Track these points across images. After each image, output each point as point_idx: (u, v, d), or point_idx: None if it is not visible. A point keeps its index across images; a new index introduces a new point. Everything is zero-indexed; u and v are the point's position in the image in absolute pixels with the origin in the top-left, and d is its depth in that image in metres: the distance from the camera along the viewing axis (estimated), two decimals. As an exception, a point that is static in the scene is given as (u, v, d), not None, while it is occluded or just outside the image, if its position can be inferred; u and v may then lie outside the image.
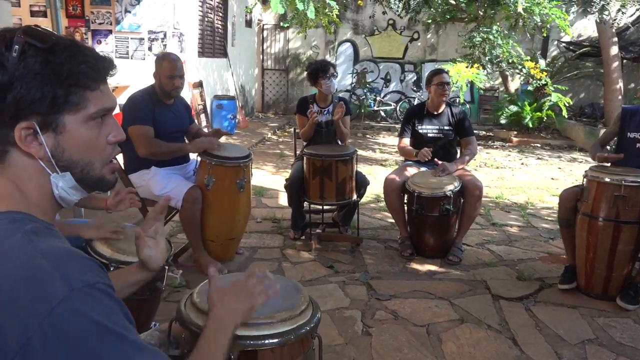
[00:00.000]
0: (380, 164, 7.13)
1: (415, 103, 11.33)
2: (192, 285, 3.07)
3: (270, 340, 1.18)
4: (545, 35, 8.38)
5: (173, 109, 3.34)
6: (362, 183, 3.84)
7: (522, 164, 7.62)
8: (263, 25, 12.41)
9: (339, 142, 4.08)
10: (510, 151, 8.70)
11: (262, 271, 1.21)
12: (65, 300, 0.71)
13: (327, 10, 7.46)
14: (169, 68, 3.14)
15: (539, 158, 8.12)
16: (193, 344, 1.09)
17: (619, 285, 3.05)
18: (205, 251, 3.31)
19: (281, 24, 9.38)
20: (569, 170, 7.23)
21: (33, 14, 6.97)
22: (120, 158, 3.35)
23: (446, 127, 3.83)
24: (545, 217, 4.81)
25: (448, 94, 3.82)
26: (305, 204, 3.87)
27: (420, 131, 3.85)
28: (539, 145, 9.21)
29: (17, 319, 0.70)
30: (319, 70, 3.87)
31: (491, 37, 7.01)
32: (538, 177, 6.69)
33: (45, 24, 6.92)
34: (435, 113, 3.85)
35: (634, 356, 2.51)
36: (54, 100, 0.82)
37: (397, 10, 8.47)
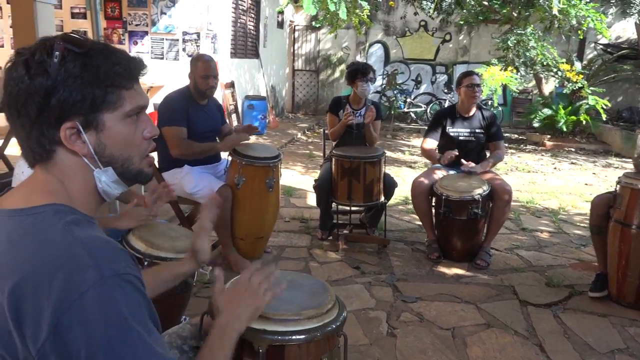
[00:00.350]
0: (409, 166, 7.11)
1: (446, 105, 11.26)
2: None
3: (297, 337, 1.22)
4: (581, 37, 8.19)
5: (206, 109, 3.42)
6: (390, 185, 3.86)
7: (555, 168, 7.48)
8: (294, 26, 12.50)
9: (367, 145, 4.10)
10: (542, 155, 8.54)
11: (267, 268, 1.22)
12: (94, 287, 0.77)
13: (358, 10, 7.48)
14: (203, 68, 3.22)
15: (572, 163, 7.95)
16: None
17: (653, 294, 2.98)
18: (234, 249, 3.38)
19: (313, 23, 9.43)
20: (604, 176, 7.06)
21: (73, 15, 7.21)
22: (154, 156, 3.46)
23: (478, 130, 3.81)
24: (578, 224, 4.72)
25: (478, 96, 3.79)
26: (334, 204, 3.91)
27: (451, 134, 3.83)
28: (573, 149, 9.01)
29: (52, 299, 0.76)
30: (359, 72, 3.91)
31: (525, 39, 6.90)
32: (571, 183, 6.56)
33: (85, 25, 7.17)
34: (466, 116, 3.84)
35: (665, 367, 2.46)
36: (93, 101, 0.87)
37: (429, 12, 8.42)
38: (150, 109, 7.23)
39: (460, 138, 3.84)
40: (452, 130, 3.85)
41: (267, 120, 9.21)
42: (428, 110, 11.45)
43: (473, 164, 3.63)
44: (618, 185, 3.04)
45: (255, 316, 1.16)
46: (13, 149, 4.70)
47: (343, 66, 12.43)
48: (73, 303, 0.76)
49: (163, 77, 7.39)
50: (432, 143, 3.91)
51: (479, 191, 3.47)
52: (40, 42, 0.89)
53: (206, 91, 3.28)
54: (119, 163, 0.94)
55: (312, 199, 5.17)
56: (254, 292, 1.15)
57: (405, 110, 11.64)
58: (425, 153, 3.98)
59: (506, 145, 4.02)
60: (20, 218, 0.85)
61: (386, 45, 12.28)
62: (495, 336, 2.70)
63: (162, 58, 7.41)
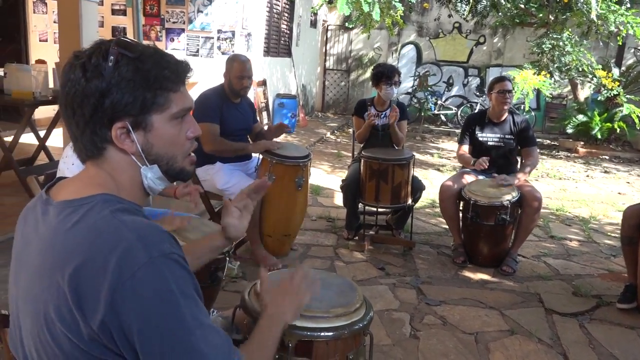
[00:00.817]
0: (437, 169, 7.08)
1: (478, 108, 11.15)
2: (248, 276, 3.23)
3: (326, 333, 1.27)
4: (620, 43, 8.00)
5: (239, 108, 3.50)
6: (417, 187, 3.88)
7: (588, 176, 7.34)
8: (327, 25, 12.55)
9: (395, 146, 4.12)
10: (575, 162, 8.39)
11: (305, 270, 1.29)
12: (145, 266, 0.84)
13: (392, 11, 7.50)
14: (239, 69, 3.31)
15: (606, 171, 7.79)
16: (251, 329, 1.21)
17: (683, 309, 2.93)
18: (262, 245, 3.46)
19: (346, 24, 9.47)
20: (639, 185, 6.89)
21: (114, 12, 7.42)
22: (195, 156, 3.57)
23: (507, 136, 3.79)
24: (609, 233, 4.65)
25: (509, 102, 3.77)
26: (360, 205, 3.95)
27: (480, 139, 3.82)
28: (607, 157, 8.82)
29: (107, 280, 0.83)
30: (383, 75, 3.93)
31: (561, 43, 6.78)
32: (604, 191, 6.43)
33: (124, 22, 7.38)
34: (496, 121, 3.82)
35: (694, 383, 2.43)
36: (143, 103, 0.94)
37: (464, 14, 8.34)
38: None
39: (489, 143, 3.82)
40: (481, 136, 3.84)
41: (296, 119, 9.29)
42: (459, 113, 11.34)
43: (505, 177, 3.59)
44: (651, 197, 2.99)
45: (298, 312, 1.21)
46: (54, 139, 4.90)
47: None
48: (126, 282, 0.83)
49: (197, 74, 7.51)
50: (466, 148, 3.91)
51: (508, 197, 3.46)
52: (96, 45, 0.96)
53: (240, 91, 3.37)
54: (164, 161, 1.00)
55: (339, 199, 5.22)
56: (296, 291, 1.22)
57: (436, 112, 11.57)
58: (460, 158, 3.97)
59: (538, 150, 3.97)
60: (73, 208, 0.93)
61: (418, 47, 12.22)
62: (519, 343, 2.70)
63: (196, 55, 7.56)
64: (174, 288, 0.86)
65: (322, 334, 1.27)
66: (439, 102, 11.63)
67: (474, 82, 11.97)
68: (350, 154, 7.69)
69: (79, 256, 0.86)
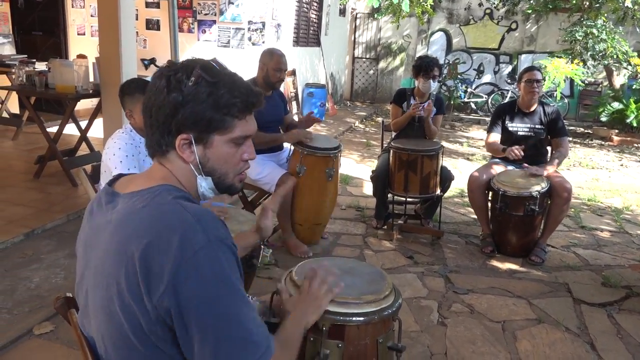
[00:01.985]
0: (467, 158, 7.06)
1: (509, 96, 10.99)
2: (280, 263, 3.35)
3: (357, 318, 1.37)
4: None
5: (271, 99, 3.60)
6: (446, 178, 3.92)
7: (622, 165, 7.21)
8: (356, 13, 12.52)
9: (427, 138, 4.16)
10: (609, 151, 8.22)
11: (323, 273, 1.36)
12: (205, 248, 0.96)
13: (422, 0, 7.46)
14: (276, 62, 3.43)
15: (641, 160, 7.63)
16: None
17: None
18: (293, 234, 3.58)
19: (375, 15, 9.44)
20: (675, 175, 6.74)
21: (147, 5, 7.60)
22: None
23: (538, 126, 3.79)
24: (641, 224, 4.60)
25: (537, 92, 3.75)
26: (390, 195, 4.02)
27: (510, 129, 3.83)
28: (643, 145, 8.61)
29: (171, 256, 0.95)
30: (421, 69, 3.97)
31: (595, 31, 6.62)
32: (638, 181, 6.32)
33: (158, 14, 7.55)
34: (527, 111, 3.82)
35: None
36: (210, 123, 1.07)
37: (494, 3, 8.20)
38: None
39: (520, 133, 3.83)
40: (511, 126, 3.85)
41: (325, 108, 9.35)
42: (489, 101, 11.21)
43: (537, 169, 3.59)
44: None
45: (320, 312, 1.31)
46: (94, 131, 5.10)
47: (403, 55, 12.35)
48: (188, 259, 0.95)
49: (228, 65, 7.67)
50: (495, 137, 3.92)
51: (537, 188, 3.48)
52: (186, 62, 1.10)
53: (276, 83, 3.50)
54: (217, 175, 1.13)
55: (368, 188, 5.30)
56: (315, 297, 1.31)
57: (466, 100, 11.46)
58: (489, 147, 3.98)
59: (570, 139, 3.97)
60: (139, 196, 1.07)
61: (448, 34, 12.07)
62: (546, 332, 2.75)
63: (227, 46, 7.69)
64: (228, 271, 0.98)
65: (354, 318, 1.37)
66: (469, 89, 11.51)
67: (506, 69, 11.78)
68: (378, 144, 7.73)
69: (146, 235, 0.98)
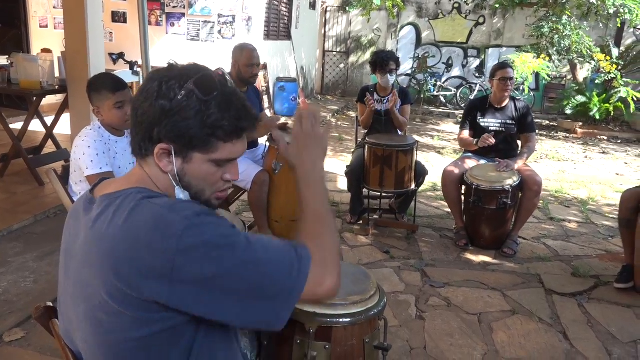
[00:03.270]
0: (438, 152, 7.16)
1: (477, 89, 11.17)
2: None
3: (344, 319, 1.37)
4: (619, 25, 7.99)
5: (246, 95, 3.56)
6: (421, 172, 3.96)
7: (586, 157, 7.43)
8: (326, 7, 12.49)
9: (399, 131, 4.19)
10: (573, 143, 8.47)
11: (311, 110, 1.26)
12: (186, 228, 0.93)
13: (392, -6, 7.48)
14: (248, 57, 3.37)
15: (604, 152, 7.87)
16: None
17: (678, 288, 3.05)
18: (270, 230, 3.55)
19: (346, 8, 9.43)
20: (636, 166, 6.99)
21: (114, -4, 7.41)
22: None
23: (509, 121, 3.86)
24: (607, 214, 4.75)
25: (510, 90, 3.83)
26: (364, 190, 4.04)
27: (482, 124, 3.89)
28: (605, 138, 8.90)
29: (159, 253, 0.92)
30: (378, 64, 3.99)
31: (560, 27, 6.79)
32: (602, 172, 6.53)
33: (125, 6, 7.35)
34: (498, 106, 3.89)
35: (687, 359, 2.55)
36: (191, 140, 1.02)
37: (463, -5, 8.30)
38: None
39: (491, 129, 3.89)
40: (482, 121, 3.91)
41: (297, 102, 9.32)
42: (458, 94, 11.37)
43: (508, 163, 3.68)
44: (649, 181, 3.08)
45: (325, 151, 1.23)
46: (60, 127, 4.94)
47: (374, 48, 12.39)
48: (177, 248, 0.92)
49: (197, 59, 7.54)
50: (467, 134, 3.98)
51: (510, 182, 3.55)
52: (183, 70, 1.04)
53: (250, 79, 3.44)
54: (193, 190, 1.09)
55: (342, 183, 5.31)
56: (312, 136, 1.21)
57: (435, 93, 11.59)
58: (462, 142, 4.03)
59: (537, 131, 4.07)
60: (109, 200, 1.03)
61: (418, 28, 12.18)
62: (521, 323, 2.82)
63: (197, 39, 7.56)
64: (218, 231, 0.95)
65: (341, 320, 1.37)
66: (438, 83, 11.64)
67: (474, 63, 11.97)
68: (351, 138, 7.74)
69: (124, 240, 0.95)
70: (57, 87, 4.42)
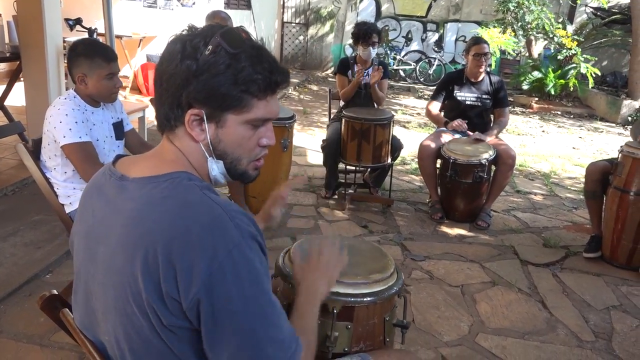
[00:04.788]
0: (403, 126, 7.19)
1: (436, 64, 11.26)
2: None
3: (368, 298, 1.33)
4: (574, 1, 8.19)
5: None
6: (396, 147, 3.95)
7: (543, 131, 7.67)
8: (285, -24, 12.16)
9: (375, 105, 4.16)
10: (530, 118, 8.71)
11: (332, 241, 1.29)
12: (238, 246, 0.86)
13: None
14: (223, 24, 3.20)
15: (559, 126, 8.15)
16: (290, 296, 1.27)
17: (643, 256, 3.20)
18: (247, 206, 3.47)
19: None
20: (590, 140, 7.28)
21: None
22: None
23: (484, 96, 3.90)
24: (569, 187, 4.93)
25: (485, 65, 3.86)
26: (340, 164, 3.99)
27: (459, 98, 3.91)
28: (559, 112, 9.20)
29: (203, 255, 0.85)
30: (361, 37, 3.91)
31: (526, 2, 6.89)
32: (559, 146, 6.76)
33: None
34: (474, 81, 3.91)
35: (655, 323, 2.69)
36: (224, 99, 0.93)
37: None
38: (142, 60, 7.07)
39: (467, 102, 3.92)
40: (459, 95, 3.93)
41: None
42: (417, 69, 11.43)
43: (479, 133, 3.74)
44: (620, 154, 3.19)
45: (331, 285, 1.25)
46: (13, 99, 4.59)
47: (333, 20, 12.22)
48: (223, 259, 0.85)
49: (156, 28, 7.21)
50: (437, 105, 4.00)
51: (486, 155, 3.60)
52: (206, 28, 0.95)
53: None
54: (229, 160, 0.99)
55: (312, 157, 5.26)
56: (325, 267, 1.24)
57: (395, 67, 11.60)
58: (431, 116, 4.07)
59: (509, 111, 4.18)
60: (155, 183, 0.93)
61: (378, 1, 12.08)
62: (501, 293, 2.89)
63: (154, 6, 7.19)
64: (261, 270, 0.89)
65: (365, 299, 1.33)
66: (398, 57, 11.65)
67: (433, 37, 12.03)
68: (316, 112, 7.67)
69: (171, 229, 0.86)
70: (8, 54, 4.08)
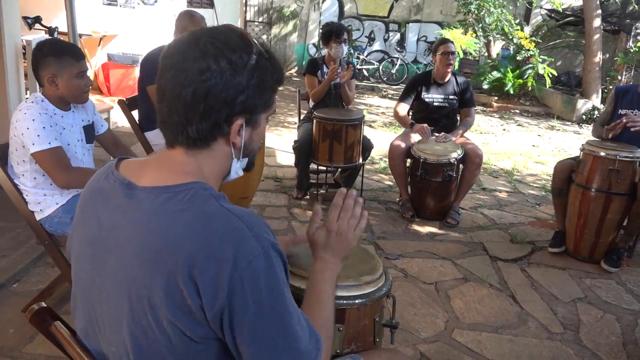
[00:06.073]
0: (369, 125, 7.25)
1: (399, 63, 11.42)
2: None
3: (359, 300, 1.34)
4: (533, 4, 8.48)
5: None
6: (367, 147, 4.00)
7: (504, 130, 7.90)
8: (247, -26, 12.07)
9: (344, 105, 4.19)
10: (491, 116, 8.96)
11: (351, 203, 1.21)
12: (259, 257, 0.86)
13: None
14: (198, 25, 3.16)
15: (519, 124, 8.42)
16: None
17: (604, 250, 3.35)
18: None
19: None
20: (548, 138, 7.55)
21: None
22: (135, 115, 3.39)
23: (451, 96, 3.99)
24: (531, 184, 5.10)
25: (452, 64, 3.95)
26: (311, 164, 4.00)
27: (426, 99, 3.99)
28: (518, 111, 9.50)
29: (224, 267, 0.84)
30: (332, 33, 3.93)
31: (487, 4, 7.08)
32: (520, 144, 6.98)
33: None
34: (441, 82, 3.99)
35: (618, 313, 2.82)
36: (266, 103, 0.96)
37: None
38: (103, 59, 6.88)
39: (435, 104, 4.00)
40: (427, 96, 4.01)
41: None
42: (380, 68, 11.57)
43: (445, 135, 3.83)
44: (581, 152, 3.33)
45: (346, 254, 1.20)
46: None
47: (296, 20, 12.22)
48: (243, 270, 0.85)
49: (116, 26, 7.02)
50: (405, 107, 4.07)
51: (455, 155, 3.68)
52: (232, 37, 0.92)
53: None
54: (253, 154, 1.03)
55: (282, 158, 5.25)
56: (346, 236, 1.18)
57: (359, 67, 11.69)
58: (399, 118, 4.13)
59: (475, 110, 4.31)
60: (170, 194, 0.91)
61: (340, 1, 12.15)
62: (473, 289, 2.97)
63: (114, 4, 7.01)
64: (281, 280, 0.89)
65: (356, 301, 1.34)
66: (361, 57, 11.76)
67: (395, 37, 12.19)
68: (282, 111, 7.65)
69: (192, 243, 0.85)
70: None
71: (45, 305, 1.09)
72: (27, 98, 2.21)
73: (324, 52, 4.08)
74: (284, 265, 0.92)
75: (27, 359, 2.10)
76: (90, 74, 6.66)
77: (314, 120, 3.83)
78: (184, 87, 0.91)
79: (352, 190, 1.21)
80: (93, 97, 6.43)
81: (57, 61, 2.07)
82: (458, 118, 4.18)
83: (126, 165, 1.01)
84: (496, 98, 9.86)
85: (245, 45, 0.93)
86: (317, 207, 1.26)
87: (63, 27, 3.95)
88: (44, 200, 2.17)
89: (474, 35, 7.60)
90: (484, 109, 9.57)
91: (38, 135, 2.04)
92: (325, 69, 4.08)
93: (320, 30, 4.17)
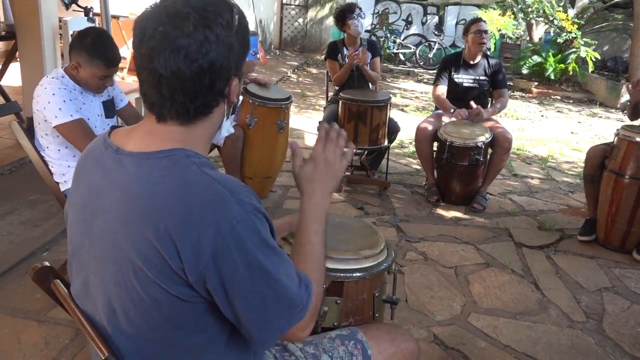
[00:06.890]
0: (401, 109, 7.17)
1: (436, 47, 11.19)
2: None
3: (357, 274, 1.35)
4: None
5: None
6: (393, 129, 3.95)
7: (542, 116, 7.65)
8: (284, -43, 12.03)
9: (370, 86, 4.15)
10: (530, 102, 8.69)
11: (335, 133, 1.17)
12: (242, 221, 0.87)
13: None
14: None
15: (558, 111, 8.13)
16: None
17: (637, 239, 3.22)
18: (244, 187, 3.48)
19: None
20: (589, 125, 7.27)
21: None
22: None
23: (482, 77, 3.89)
24: (566, 171, 4.94)
25: (486, 42, 3.84)
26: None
27: (456, 80, 3.90)
28: (559, 97, 9.17)
29: (207, 233, 0.86)
30: (346, 11, 3.90)
31: (526, -15, 6.83)
32: (558, 130, 6.75)
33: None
34: (472, 63, 3.89)
35: (646, 305, 2.72)
36: (246, 55, 0.99)
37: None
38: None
39: (465, 85, 3.91)
40: (456, 77, 3.92)
41: (257, 57, 9.04)
42: (417, 52, 11.36)
43: (480, 110, 3.72)
44: (616, 137, 3.19)
45: (336, 187, 1.17)
46: (9, 79, 4.57)
47: (333, 3, 12.12)
48: (227, 235, 0.86)
49: (135, 6, 7.13)
50: (442, 89, 3.97)
51: (482, 138, 3.60)
52: (212, 3, 0.93)
53: None
54: (236, 106, 1.06)
55: (309, 139, 5.25)
56: (332, 165, 1.14)
57: (395, 51, 11.53)
58: (438, 101, 4.02)
59: (508, 93, 4.18)
60: (154, 160, 0.92)
61: (378, -17, 11.97)
62: (495, 275, 2.91)
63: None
64: (266, 238, 0.91)
65: (354, 274, 1.34)
66: (398, 40, 11.58)
67: (433, 20, 11.93)
68: (313, 94, 7.66)
69: (173, 210, 0.87)
70: (3, 33, 4.06)
71: (48, 265, 1.14)
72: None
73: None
74: (270, 226, 0.94)
75: (51, 322, 2.20)
76: (127, 55, 6.82)
77: (340, 101, 3.81)
78: (188, 65, 0.90)
79: (334, 124, 1.19)
80: (130, 78, 6.58)
81: (89, 59, 2.11)
82: (490, 101, 4.07)
83: (117, 132, 1.04)
84: (536, 84, 9.54)
85: (225, 4, 0.94)
86: (295, 144, 1.22)
87: (99, 9, 4.08)
88: (68, 171, 2.25)
89: (513, 17, 7.34)
90: (523, 94, 9.28)
91: (60, 109, 2.11)
92: (345, 52, 4.04)
93: (334, 17, 4.13)
